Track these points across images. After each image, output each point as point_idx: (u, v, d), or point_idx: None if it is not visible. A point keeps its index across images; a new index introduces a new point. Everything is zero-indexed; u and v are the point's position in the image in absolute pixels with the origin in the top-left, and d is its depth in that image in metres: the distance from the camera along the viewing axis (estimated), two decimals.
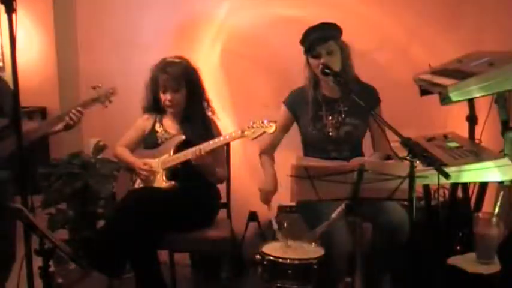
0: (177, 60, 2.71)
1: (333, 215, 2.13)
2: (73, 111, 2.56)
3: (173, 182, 2.63)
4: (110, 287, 2.69)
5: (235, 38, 3.42)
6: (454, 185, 2.50)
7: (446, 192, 2.70)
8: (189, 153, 2.56)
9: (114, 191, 3.20)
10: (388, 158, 2.45)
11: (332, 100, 2.57)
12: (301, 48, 2.53)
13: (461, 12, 3.28)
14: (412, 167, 1.87)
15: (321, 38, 2.46)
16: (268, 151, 2.69)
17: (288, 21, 3.31)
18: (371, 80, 2.65)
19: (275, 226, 2.39)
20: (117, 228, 2.42)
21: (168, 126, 2.77)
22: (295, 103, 2.62)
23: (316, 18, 2.54)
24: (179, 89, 2.66)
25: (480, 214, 2.13)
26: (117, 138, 2.91)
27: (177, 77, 2.64)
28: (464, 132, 2.54)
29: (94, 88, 2.72)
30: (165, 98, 2.67)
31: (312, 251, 2.26)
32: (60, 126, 2.58)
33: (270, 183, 2.56)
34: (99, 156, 3.33)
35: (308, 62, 2.54)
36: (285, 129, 2.67)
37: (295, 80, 2.64)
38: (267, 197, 2.54)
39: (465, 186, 2.47)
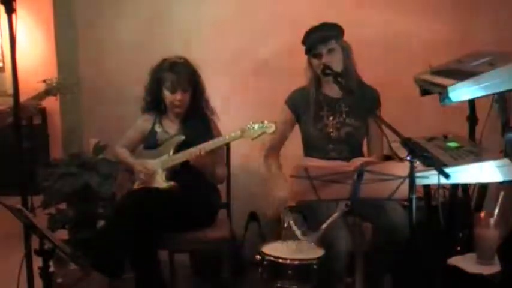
0: (180, 60, 2.71)
1: (333, 216, 2.13)
2: (29, 102, 2.56)
3: (173, 182, 2.63)
4: (110, 287, 2.68)
5: (236, 37, 3.42)
6: (454, 185, 2.50)
7: (446, 193, 2.70)
8: (188, 154, 2.56)
9: (114, 191, 3.20)
10: (388, 158, 2.45)
11: (333, 100, 2.57)
12: (302, 48, 2.54)
13: (461, 11, 3.29)
14: (412, 167, 1.87)
15: (321, 37, 2.46)
16: (273, 154, 2.65)
17: (290, 20, 3.32)
18: (371, 80, 2.65)
19: (294, 227, 2.35)
20: (117, 228, 2.42)
21: (168, 126, 2.77)
22: (297, 103, 2.61)
23: (316, 18, 2.54)
24: (188, 89, 2.67)
25: (480, 214, 2.13)
26: (117, 138, 2.91)
27: (187, 77, 2.65)
28: (464, 132, 2.54)
29: (44, 81, 2.72)
30: (174, 98, 2.66)
31: (312, 251, 2.26)
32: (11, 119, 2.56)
33: (284, 188, 2.42)
34: (99, 156, 3.33)
35: (310, 62, 2.54)
36: (287, 128, 2.64)
37: (296, 80, 2.64)
38: (282, 203, 2.40)
39: (465, 186, 2.46)
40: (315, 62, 2.50)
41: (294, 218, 2.84)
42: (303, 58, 2.57)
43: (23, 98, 2.02)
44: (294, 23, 3.14)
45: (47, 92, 2.70)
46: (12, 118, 2.51)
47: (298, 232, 2.33)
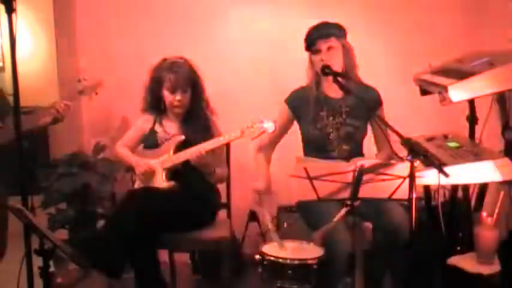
0: (180, 60, 2.70)
1: (334, 220, 2.13)
2: (60, 104, 2.56)
3: (173, 182, 2.63)
4: (110, 287, 2.69)
5: (236, 36, 3.43)
6: (454, 185, 2.50)
7: (446, 192, 2.70)
8: (188, 154, 2.56)
9: (114, 191, 3.20)
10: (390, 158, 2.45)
11: (334, 100, 2.57)
12: (303, 48, 2.54)
13: (460, 11, 3.29)
14: (412, 167, 1.87)
15: (322, 34, 2.46)
16: (265, 150, 2.67)
17: (291, 20, 3.32)
18: (370, 80, 2.65)
19: (269, 224, 2.37)
20: (117, 228, 2.42)
21: (168, 126, 2.77)
22: (297, 102, 2.61)
23: (318, 18, 2.55)
24: (187, 89, 2.67)
25: (480, 214, 2.13)
26: (117, 138, 2.91)
27: (186, 77, 2.64)
28: (464, 132, 2.54)
29: (79, 81, 2.72)
30: (174, 98, 2.65)
31: (312, 251, 2.26)
32: (47, 119, 2.56)
33: (263, 182, 2.51)
34: (99, 156, 3.33)
35: (311, 61, 2.55)
36: (284, 128, 2.65)
37: (296, 80, 2.64)
38: (260, 198, 2.48)
39: (465, 186, 2.46)
40: (314, 58, 2.50)
41: (293, 218, 2.86)
42: (304, 58, 2.57)
43: (23, 98, 2.01)
44: (295, 23, 3.14)
45: (81, 92, 2.70)
46: (51, 119, 2.53)
47: (272, 229, 2.33)
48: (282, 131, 2.65)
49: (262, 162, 2.63)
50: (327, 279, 2.24)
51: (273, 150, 2.69)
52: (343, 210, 2.12)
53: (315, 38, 2.47)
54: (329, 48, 2.46)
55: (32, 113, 2.58)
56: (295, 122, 2.66)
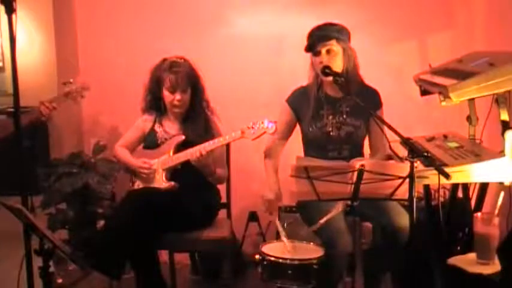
0: (180, 60, 2.70)
1: (331, 214, 2.13)
2: (46, 104, 2.56)
3: (173, 183, 2.63)
4: (110, 287, 2.68)
5: (236, 37, 3.43)
6: (454, 185, 2.50)
7: (446, 192, 2.70)
8: (189, 154, 2.55)
9: (114, 191, 3.20)
10: (388, 158, 2.45)
11: (334, 100, 2.57)
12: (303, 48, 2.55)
13: (457, 11, 3.29)
14: (412, 167, 1.87)
15: (322, 36, 2.46)
16: (272, 155, 2.66)
17: (292, 20, 3.33)
18: (370, 80, 2.65)
19: (280, 228, 2.37)
20: (117, 228, 2.41)
21: (168, 126, 2.77)
22: (298, 101, 2.61)
23: (319, 18, 2.55)
24: (187, 89, 2.66)
25: (480, 214, 2.13)
26: (117, 138, 2.91)
27: (186, 77, 2.64)
28: (465, 132, 2.54)
29: (65, 84, 2.73)
30: (174, 98, 2.65)
31: (312, 251, 2.26)
32: (29, 120, 2.56)
33: (273, 191, 2.52)
34: (99, 156, 3.33)
35: (312, 62, 2.55)
36: (288, 128, 2.65)
37: (297, 80, 2.65)
38: (271, 205, 2.49)
39: (465, 186, 2.46)
40: (314, 59, 2.51)
41: (293, 218, 2.86)
42: (305, 58, 2.57)
43: (23, 98, 2.02)
44: (296, 23, 3.14)
45: (67, 95, 2.70)
46: (34, 118, 2.53)
47: (283, 233, 2.34)
48: (286, 132, 2.65)
49: (270, 170, 2.62)
50: (327, 279, 2.24)
51: (279, 153, 2.68)
52: (340, 206, 2.12)
53: (315, 39, 2.47)
54: (328, 51, 2.46)
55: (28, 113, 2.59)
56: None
